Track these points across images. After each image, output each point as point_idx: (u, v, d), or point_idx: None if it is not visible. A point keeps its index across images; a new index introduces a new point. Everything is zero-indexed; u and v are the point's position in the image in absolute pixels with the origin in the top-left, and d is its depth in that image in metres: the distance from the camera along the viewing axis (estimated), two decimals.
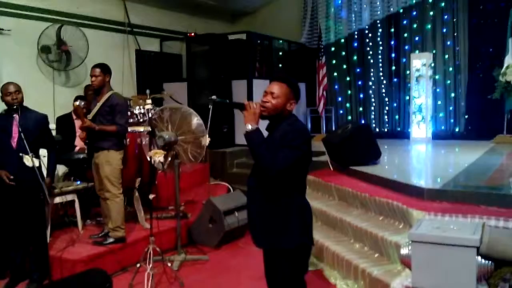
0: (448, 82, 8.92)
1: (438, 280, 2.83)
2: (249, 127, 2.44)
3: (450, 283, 2.81)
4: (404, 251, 3.04)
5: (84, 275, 2.90)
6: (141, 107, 5.89)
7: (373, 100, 9.61)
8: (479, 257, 2.79)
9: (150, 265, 4.09)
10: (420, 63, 8.43)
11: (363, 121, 9.49)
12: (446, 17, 8.85)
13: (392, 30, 9.39)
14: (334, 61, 9.78)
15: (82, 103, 4.71)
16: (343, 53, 9.77)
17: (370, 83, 9.60)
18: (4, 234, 4.27)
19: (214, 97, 2.68)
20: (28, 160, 3.95)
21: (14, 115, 4.01)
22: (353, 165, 5.58)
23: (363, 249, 4.32)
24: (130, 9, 8.27)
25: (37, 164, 3.94)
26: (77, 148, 5.72)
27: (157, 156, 4.14)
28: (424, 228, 2.99)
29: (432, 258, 2.84)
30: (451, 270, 2.80)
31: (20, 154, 3.99)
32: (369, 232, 4.24)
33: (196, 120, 5.12)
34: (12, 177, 4.00)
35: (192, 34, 8.73)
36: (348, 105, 9.84)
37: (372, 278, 3.77)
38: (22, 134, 3.87)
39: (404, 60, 9.23)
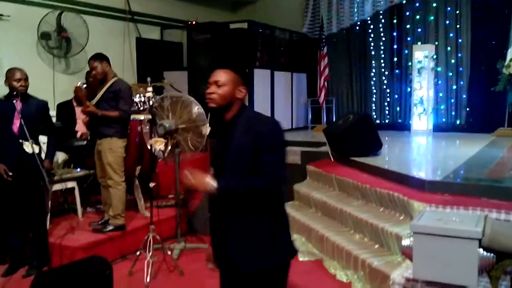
0: (450, 74, 8.89)
1: (439, 271, 2.82)
2: (211, 189, 2.05)
3: (451, 275, 2.80)
4: (405, 242, 3.03)
5: (84, 262, 2.89)
6: (141, 95, 5.86)
7: (374, 91, 9.58)
8: (481, 250, 2.78)
9: (150, 253, 4.09)
10: (422, 55, 8.38)
11: (358, 112, 9.45)
12: (449, 8, 8.79)
13: (395, 21, 9.32)
14: (335, 52, 9.72)
15: (84, 85, 4.66)
16: (345, 43, 9.72)
17: (372, 74, 9.56)
18: (4, 220, 4.27)
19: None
20: (28, 147, 3.93)
21: (15, 101, 3.98)
22: (354, 156, 5.56)
23: (363, 240, 4.32)
24: None
25: (37, 151, 3.92)
26: (78, 134, 5.71)
27: (158, 145, 4.12)
28: (426, 220, 2.98)
29: (433, 250, 2.83)
30: (453, 262, 2.79)
31: (20, 141, 3.97)
32: (370, 223, 4.24)
33: (196, 109, 5.08)
34: (11, 173, 4.00)
35: (193, 22, 8.67)
36: (349, 96, 9.80)
37: (372, 269, 3.77)
38: (22, 120, 3.85)
39: (406, 51, 9.18)
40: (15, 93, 4.01)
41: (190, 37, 8.80)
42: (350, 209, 4.63)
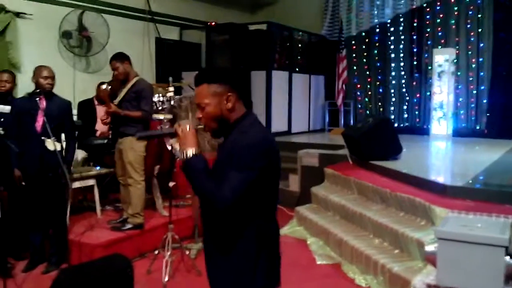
0: (471, 78, 8.77)
1: (464, 279, 2.77)
2: (185, 154, 1.84)
3: (476, 282, 2.75)
4: (429, 248, 2.98)
5: (106, 260, 2.90)
6: (160, 95, 5.88)
7: (392, 94, 9.49)
8: (508, 257, 2.73)
9: (169, 252, 4.09)
10: (442, 59, 8.28)
11: (377, 115, 9.38)
12: (470, 12, 8.68)
13: (415, 24, 9.23)
14: (354, 54, 9.67)
15: (109, 87, 4.71)
16: (364, 46, 9.65)
17: (390, 78, 9.48)
18: (24, 217, 4.31)
19: (138, 134, 2.08)
20: (50, 144, 3.96)
21: (39, 99, 4.02)
22: (373, 160, 5.51)
23: (383, 244, 4.27)
24: None
25: (59, 148, 3.95)
26: (98, 133, 5.75)
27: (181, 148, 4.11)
28: (451, 226, 2.92)
29: (458, 257, 2.78)
30: (478, 269, 2.74)
31: (43, 138, 4.00)
32: (390, 228, 4.19)
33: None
34: (24, 183, 4.05)
35: (213, 23, 8.69)
36: (367, 99, 9.74)
37: (392, 274, 3.73)
38: (45, 118, 3.88)
39: (426, 55, 9.09)
40: (39, 90, 4.04)
41: (209, 38, 8.82)
42: (370, 213, 4.58)
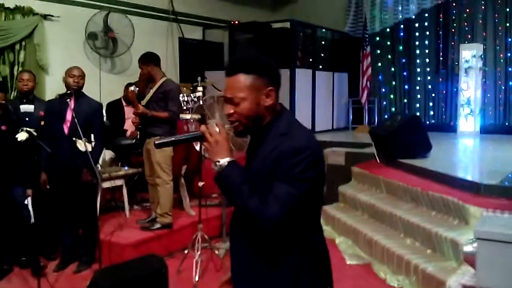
0: (499, 74, 8.58)
1: (504, 280, 2.70)
2: (217, 164, 1.55)
3: None
4: (467, 248, 2.91)
5: (140, 260, 2.91)
6: (185, 95, 5.89)
7: (418, 91, 9.34)
8: None
9: (199, 252, 4.09)
10: (470, 54, 8.11)
11: (407, 113, 9.23)
12: (498, 6, 8.49)
13: (441, 19, 9.06)
14: (378, 51, 9.54)
15: (137, 88, 4.75)
16: (388, 42, 9.51)
17: (416, 74, 9.32)
18: (55, 217, 4.36)
19: (156, 142, 1.71)
20: (81, 145, 3.99)
21: (69, 100, 4.06)
22: (402, 158, 5.42)
23: (415, 244, 4.20)
24: None
25: (89, 149, 3.98)
26: (128, 133, 5.79)
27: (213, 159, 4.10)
28: (490, 226, 2.85)
29: (499, 257, 2.70)
30: None
31: (73, 139, 4.04)
32: (422, 227, 4.12)
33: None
34: (48, 187, 4.11)
35: (236, 22, 8.68)
36: (392, 96, 9.59)
37: (426, 275, 3.66)
38: (76, 118, 3.92)
39: (452, 50, 8.91)
40: (69, 92, 4.08)
41: (231, 37, 8.81)
42: (400, 212, 4.51)
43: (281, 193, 1.47)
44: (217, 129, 1.57)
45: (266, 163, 1.54)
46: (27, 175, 3.98)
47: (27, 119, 4.28)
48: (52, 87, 6.05)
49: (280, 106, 1.66)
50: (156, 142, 1.70)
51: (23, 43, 6.09)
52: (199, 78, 5.19)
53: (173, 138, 1.71)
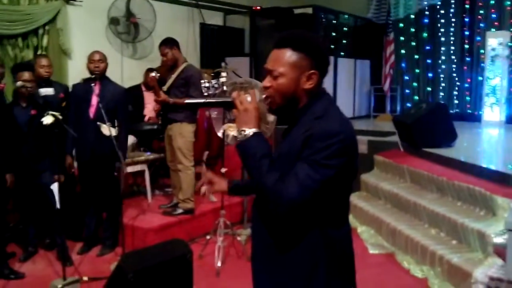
0: None
1: None
2: (242, 133, 1.51)
3: None
4: (497, 240, 2.85)
5: (166, 245, 2.92)
6: (205, 81, 5.87)
7: (442, 80, 9.14)
8: None
9: (221, 238, 4.09)
10: (496, 42, 7.91)
11: (431, 101, 9.07)
12: None
13: (467, 6, 8.83)
14: (402, 38, 9.34)
15: (158, 74, 4.73)
16: (412, 29, 9.30)
17: (440, 62, 9.12)
18: (80, 201, 4.40)
19: (187, 101, 1.84)
20: (105, 129, 4.01)
21: (93, 84, 4.06)
22: (426, 147, 5.33)
23: (439, 235, 4.14)
24: None
25: (113, 133, 3.99)
26: (146, 118, 5.80)
27: (231, 130, 4.08)
28: None
29: None
30: None
31: (98, 123, 4.05)
32: (447, 218, 4.05)
33: (261, 95, 5.02)
34: (73, 170, 4.14)
35: (258, 7, 8.58)
36: (415, 84, 9.41)
37: (451, 266, 3.60)
38: (100, 104, 3.92)
39: (478, 38, 8.68)
40: (94, 76, 4.09)
41: (253, 23, 8.72)
42: (424, 202, 4.44)
43: (302, 174, 1.40)
44: (249, 98, 1.54)
45: (296, 144, 1.47)
46: (57, 160, 4.02)
47: (48, 101, 4.30)
48: (74, 71, 6.06)
49: (321, 91, 1.59)
50: (186, 101, 1.70)
51: (46, 27, 6.10)
52: (223, 64, 5.14)
53: (203, 100, 1.72)
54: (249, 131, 1.49)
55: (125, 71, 7.06)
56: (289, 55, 1.52)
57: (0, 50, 5.66)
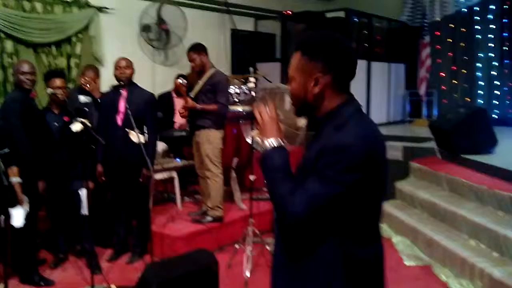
0: None
1: None
2: (265, 144, 1.51)
3: None
4: None
5: (191, 255, 2.85)
6: (236, 86, 5.81)
7: (481, 83, 8.80)
8: None
9: (249, 247, 4.00)
10: None
11: (469, 105, 8.73)
12: None
13: (506, 7, 8.48)
14: (438, 41, 9.05)
15: (185, 81, 4.71)
16: (449, 32, 8.98)
17: (478, 65, 8.80)
18: (110, 208, 4.40)
19: None
20: (134, 136, 3.99)
21: (121, 90, 4.06)
22: (465, 153, 5.10)
23: (480, 246, 3.92)
24: None
25: (142, 140, 3.96)
26: (176, 125, 5.79)
27: (259, 137, 3.98)
28: None
29: None
30: None
31: (126, 130, 4.04)
32: (488, 229, 3.84)
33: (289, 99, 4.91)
34: (104, 179, 4.15)
35: (289, 12, 8.49)
36: (452, 88, 9.10)
37: (493, 280, 3.40)
38: (128, 110, 3.91)
39: None
40: (122, 83, 4.08)
41: (284, 28, 8.64)
42: (463, 212, 4.23)
43: (310, 189, 1.35)
44: (267, 111, 1.54)
45: (311, 155, 1.41)
46: (88, 167, 4.04)
47: (86, 109, 4.33)
48: (107, 78, 6.12)
49: (347, 99, 1.50)
50: None
51: (79, 35, 6.19)
52: (251, 69, 5.07)
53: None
54: (267, 142, 1.50)
55: (157, 78, 7.09)
56: (298, 58, 1.49)
57: (34, 58, 5.76)
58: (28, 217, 3.63)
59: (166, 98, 6.03)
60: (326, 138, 1.40)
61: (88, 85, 4.47)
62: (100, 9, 6.44)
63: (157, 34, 7.10)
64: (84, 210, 3.46)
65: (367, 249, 1.45)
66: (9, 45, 5.54)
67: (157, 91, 6.48)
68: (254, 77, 6.66)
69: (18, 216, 3.38)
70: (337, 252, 1.41)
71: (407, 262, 4.22)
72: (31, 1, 5.72)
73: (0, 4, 5.48)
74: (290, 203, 1.36)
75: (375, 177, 1.39)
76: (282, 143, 1.50)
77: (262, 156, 1.50)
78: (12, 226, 3.44)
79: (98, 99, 4.50)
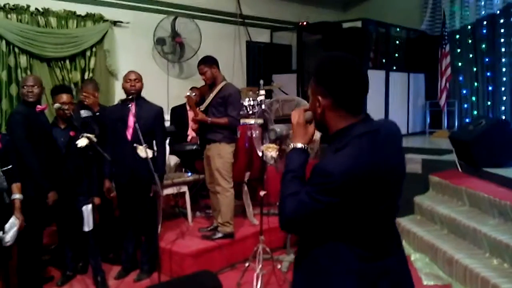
0: None
1: None
2: (290, 146, 1.64)
3: None
4: None
5: (195, 277, 2.74)
6: (251, 99, 5.71)
7: (504, 93, 8.50)
8: None
9: (260, 266, 3.87)
10: None
11: (491, 116, 8.46)
12: None
13: None
14: (458, 50, 8.82)
15: (194, 94, 4.64)
16: (470, 40, 8.75)
17: (501, 75, 8.49)
18: (118, 224, 4.33)
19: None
20: (141, 151, 3.90)
21: (130, 105, 4.00)
22: (487, 167, 4.88)
23: (503, 265, 3.70)
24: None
25: (150, 156, 3.88)
26: (189, 138, 5.72)
27: (270, 151, 3.87)
28: None
29: None
30: None
31: (134, 145, 3.97)
32: (511, 247, 3.62)
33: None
34: (112, 195, 4.07)
35: (305, 23, 8.40)
36: (474, 98, 8.81)
37: None
38: (136, 124, 3.84)
39: None
40: (131, 97, 4.03)
41: (300, 39, 8.54)
42: (485, 228, 4.01)
43: (300, 198, 1.47)
44: (297, 115, 1.63)
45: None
46: (94, 183, 3.97)
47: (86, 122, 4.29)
48: (121, 92, 6.11)
49: (358, 118, 1.55)
50: None
51: (94, 49, 6.22)
52: (261, 82, 4.97)
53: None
54: (292, 145, 1.62)
55: (171, 91, 7.08)
56: (312, 80, 1.59)
57: (48, 72, 5.79)
58: (33, 234, 3.57)
59: (179, 111, 5.97)
60: (324, 157, 1.51)
61: (86, 100, 4.45)
62: (115, 23, 6.46)
63: (172, 47, 7.09)
64: (87, 226, 3.37)
65: (369, 261, 1.49)
66: (23, 60, 5.59)
67: (171, 104, 6.45)
68: (268, 89, 6.58)
69: (10, 232, 3.28)
70: (349, 255, 1.48)
71: (426, 282, 4.01)
72: (46, 16, 5.77)
73: (14, 19, 5.54)
74: (284, 204, 1.49)
75: (362, 199, 1.44)
76: (305, 148, 1.60)
77: (286, 156, 1.65)
78: (17, 242, 3.38)
79: (97, 113, 4.46)
